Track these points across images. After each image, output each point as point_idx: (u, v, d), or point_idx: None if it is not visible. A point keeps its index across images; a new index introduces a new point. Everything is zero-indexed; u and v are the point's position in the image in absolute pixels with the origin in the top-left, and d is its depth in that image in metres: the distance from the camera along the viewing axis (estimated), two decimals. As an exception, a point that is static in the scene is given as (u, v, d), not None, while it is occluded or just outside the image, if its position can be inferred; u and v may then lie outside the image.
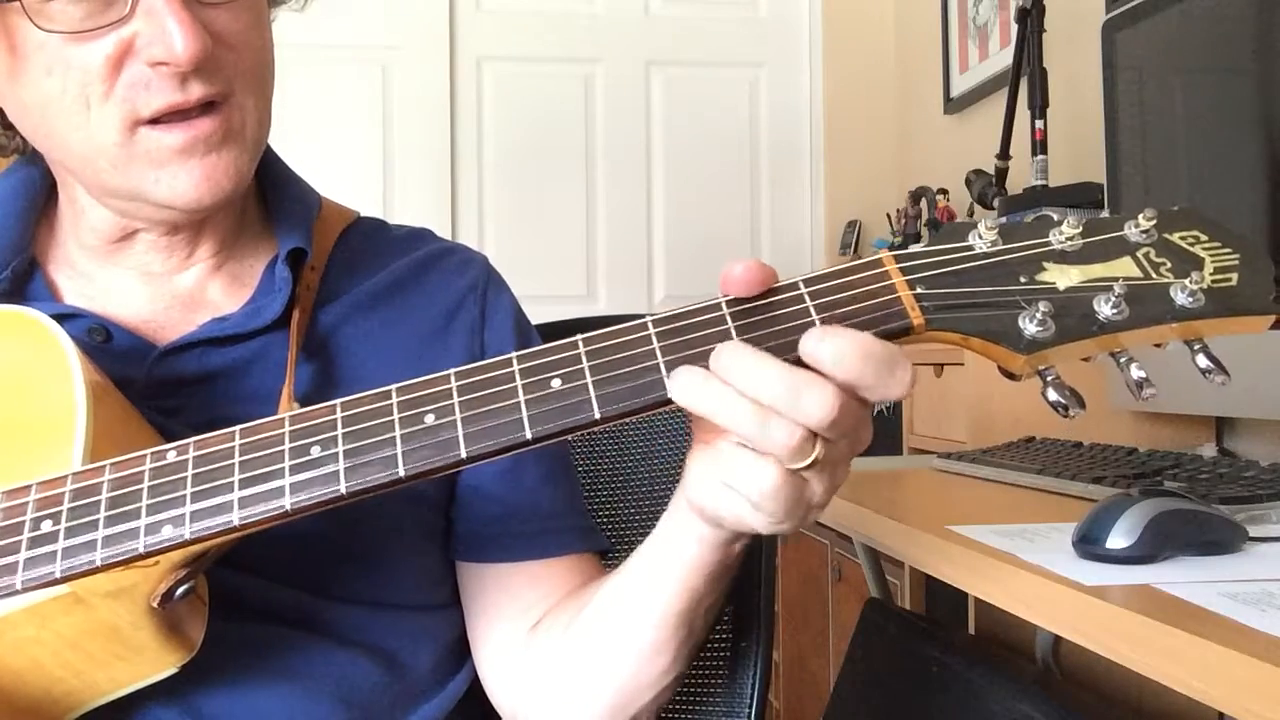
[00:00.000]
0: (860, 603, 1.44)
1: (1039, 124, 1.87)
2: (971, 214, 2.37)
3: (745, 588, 0.92)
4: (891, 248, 2.40)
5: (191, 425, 0.63)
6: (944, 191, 2.48)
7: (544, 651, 0.75)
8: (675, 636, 0.68)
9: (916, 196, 2.55)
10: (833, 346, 0.52)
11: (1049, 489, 1.07)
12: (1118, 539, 0.73)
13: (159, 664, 0.60)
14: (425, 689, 0.76)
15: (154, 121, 0.67)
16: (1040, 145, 1.87)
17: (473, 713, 0.79)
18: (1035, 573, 0.72)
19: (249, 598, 0.69)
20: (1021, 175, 1.95)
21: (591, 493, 1.02)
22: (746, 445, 0.53)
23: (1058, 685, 1.14)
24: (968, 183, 2.09)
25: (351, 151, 2.92)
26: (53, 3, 0.64)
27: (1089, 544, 0.74)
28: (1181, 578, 0.68)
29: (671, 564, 0.64)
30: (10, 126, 0.74)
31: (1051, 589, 0.70)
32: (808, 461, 0.53)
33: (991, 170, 2.03)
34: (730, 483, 0.54)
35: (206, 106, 0.68)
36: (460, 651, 0.80)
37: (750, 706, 0.90)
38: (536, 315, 0.89)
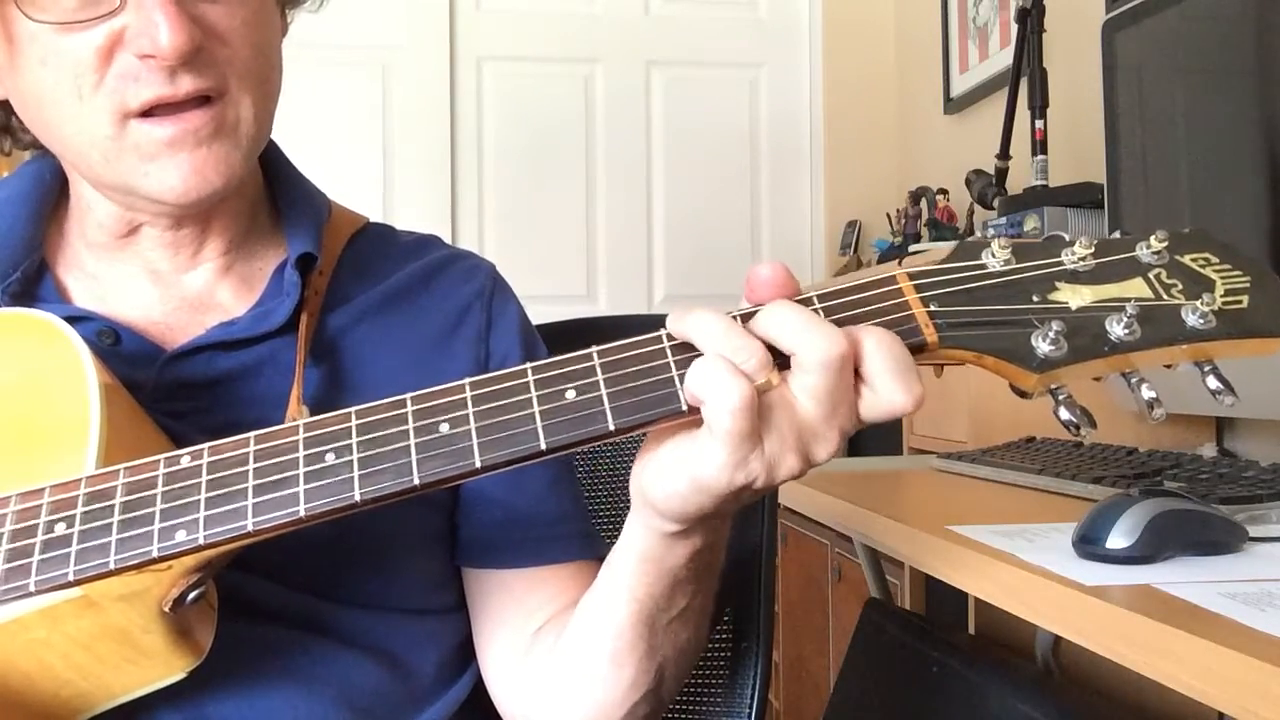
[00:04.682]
0: (860, 603, 1.44)
1: (1039, 124, 1.87)
2: (971, 214, 2.38)
3: (745, 589, 0.92)
4: (892, 248, 2.39)
5: (200, 429, 0.63)
6: (944, 191, 2.48)
7: (540, 661, 0.75)
8: (635, 648, 0.67)
9: (916, 196, 2.55)
10: (863, 329, 0.54)
11: (1049, 489, 1.07)
12: (1118, 539, 0.73)
13: (168, 668, 0.60)
14: (429, 693, 0.76)
15: (145, 115, 0.67)
16: (1040, 145, 1.87)
17: (475, 717, 0.79)
18: (1035, 573, 0.72)
19: (254, 599, 0.69)
20: (1021, 175, 1.95)
21: (590, 495, 1.02)
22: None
23: (1058, 685, 1.14)
24: (968, 183, 2.10)
25: (351, 151, 2.92)
26: None
27: (1089, 544, 0.74)
28: (1181, 578, 0.69)
29: (628, 563, 0.64)
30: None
31: (1051, 589, 0.70)
32: (774, 379, 0.53)
33: (991, 170, 2.03)
34: (701, 388, 0.52)
35: (200, 101, 0.68)
36: (464, 655, 0.80)
37: (750, 707, 0.90)
38: (537, 315, 0.89)
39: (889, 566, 1.70)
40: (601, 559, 0.81)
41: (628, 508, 1.01)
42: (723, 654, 0.93)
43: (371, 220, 0.87)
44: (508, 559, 0.79)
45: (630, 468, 1.01)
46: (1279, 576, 0.69)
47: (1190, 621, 0.59)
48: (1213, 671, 0.55)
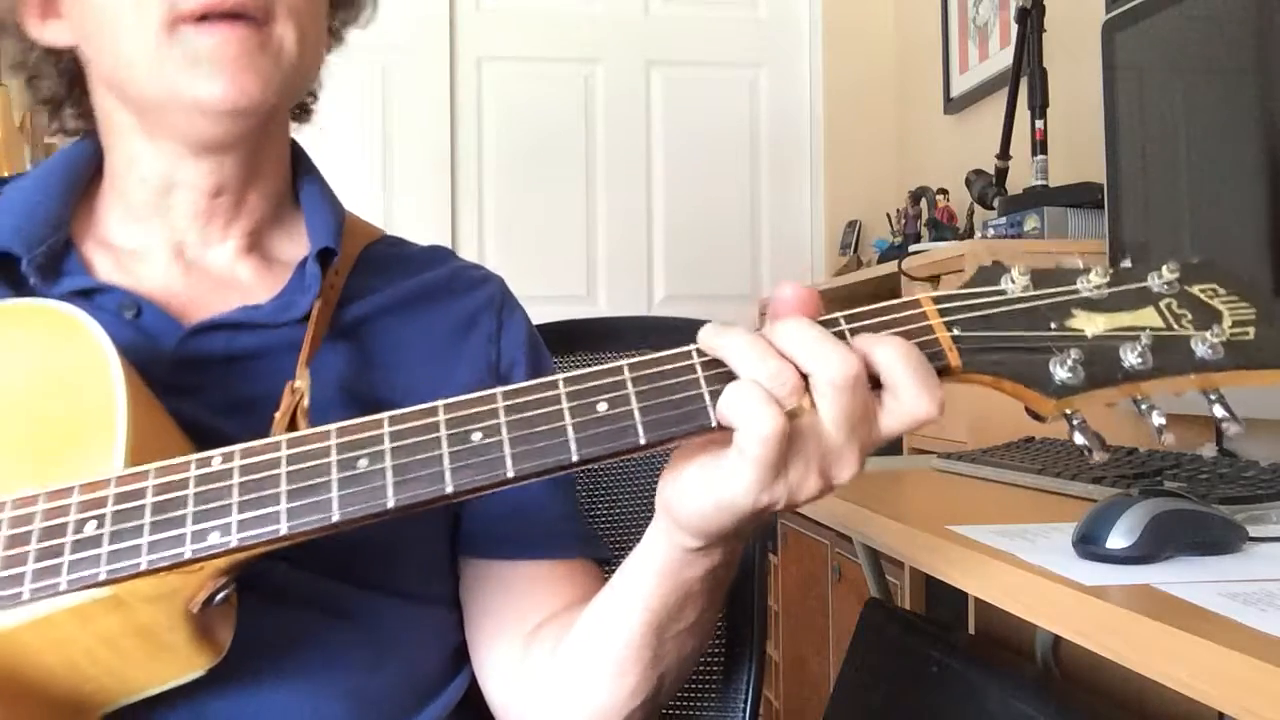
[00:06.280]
0: (860, 603, 1.44)
1: (1039, 124, 1.88)
2: (971, 214, 2.38)
3: (739, 587, 0.92)
4: (892, 248, 2.39)
5: (208, 405, 0.63)
6: (944, 191, 2.48)
7: (539, 662, 0.75)
8: (640, 657, 0.68)
9: (916, 196, 2.55)
10: (883, 339, 0.55)
11: (1049, 489, 1.07)
12: (1118, 539, 0.73)
13: (189, 666, 0.61)
14: (431, 690, 0.76)
15: (195, 24, 0.70)
16: (1040, 145, 1.87)
17: (469, 716, 0.79)
18: (1035, 573, 0.72)
19: (266, 583, 0.69)
20: (1021, 175, 1.95)
21: (590, 497, 1.03)
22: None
23: (1057, 685, 1.15)
24: (968, 183, 2.10)
25: (351, 151, 2.92)
26: None
27: (1089, 544, 0.74)
28: (1181, 578, 0.69)
29: (643, 573, 0.65)
30: (79, 104, 0.80)
31: (1051, 589, 0.70)
32: (805, 404, 0.53)
33: (991, 170, 2.03)
34: (735, 414, 0.53)
35: (248, 22, 0.71)
36: (461, 656, 0.80)
37: (745, 704, 0.90)
38: (537, 315, 0.90)
39: (889, 566, 1.70)
40: (601, 562, 0.82)
41: (627, 511, 1.02)
42: (717, 652, 0.93)
43: (387, 233, 0.90)
44: (511, 550, 0.79)
45: (632, 474, 1.02)
46: (1279, 576, 0.69)
47: (1190, 621, 0.59)
48: (1213, 671, 0.55)
